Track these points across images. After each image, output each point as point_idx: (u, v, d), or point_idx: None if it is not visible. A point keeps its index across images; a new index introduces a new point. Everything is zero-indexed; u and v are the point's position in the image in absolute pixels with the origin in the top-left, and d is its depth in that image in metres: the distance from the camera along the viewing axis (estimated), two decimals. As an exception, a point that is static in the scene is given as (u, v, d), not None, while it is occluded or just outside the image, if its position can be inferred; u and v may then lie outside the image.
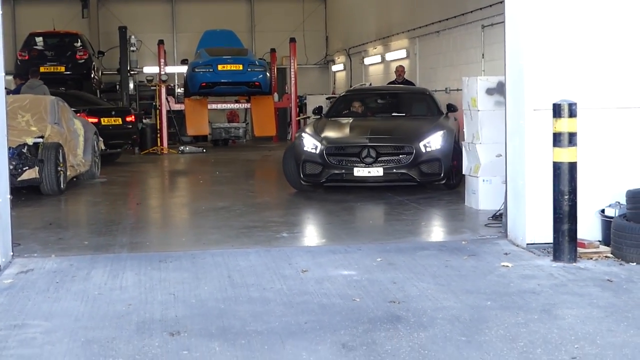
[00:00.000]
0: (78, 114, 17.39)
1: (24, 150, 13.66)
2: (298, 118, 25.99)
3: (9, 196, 8.65)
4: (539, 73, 8.68)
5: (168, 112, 24.95)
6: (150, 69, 28.52)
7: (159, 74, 25.10)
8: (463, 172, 12.22)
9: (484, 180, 11.59)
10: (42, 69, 23.56)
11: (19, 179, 13.46)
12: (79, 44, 25.62)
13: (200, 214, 12.03)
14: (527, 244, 8.69)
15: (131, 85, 27.46)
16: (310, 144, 13.42)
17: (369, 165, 12.94)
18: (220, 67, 23.52)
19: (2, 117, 8.53)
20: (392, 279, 7.45)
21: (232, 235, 10.05)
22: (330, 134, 13.68)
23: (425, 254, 8.56)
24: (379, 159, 13.00)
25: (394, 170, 12.97)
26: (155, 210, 13.34)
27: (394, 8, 23.50)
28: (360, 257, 8.44)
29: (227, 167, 19.82)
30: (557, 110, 7.93)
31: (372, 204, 12.40)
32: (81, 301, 6.94)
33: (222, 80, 23.55)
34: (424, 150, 13.04)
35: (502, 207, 9.76)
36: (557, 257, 8.01)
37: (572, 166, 7.91)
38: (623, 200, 8.44)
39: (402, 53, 22.31)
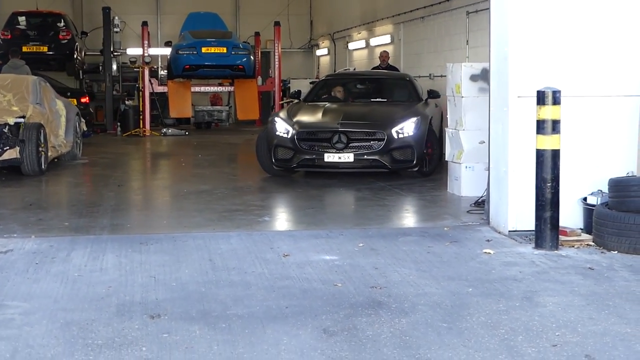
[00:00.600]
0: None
1: (5, 130, 13.57)
2: (281, 102, 25.91)
3: (-11, 176, 8.57)
4: (523, 60, 8.66)
5: (151, 94, 24.83)
6: (133, 51, 28.30)
7: (143, 55, 24.95)
8: (446, 159, 12.21)
9: (466, 167, 11.59)
10: (24, 49, 23.47)
11: (-1, 159, 13.38)
12: (62, 24, 25.42)
13: (182, 197, 11.97)
14: (509, 231, 8.68)
15: (114, 67, 27.26)
16: (282, 128, 13.27)
17: (339, 151, 12.79)
18: (204, 50, 23.39)
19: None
20: (374, 265, 7.42)
21: (213, 219, 10.00)
22: (302, 118, 13.53)
23: (407, 239, 8.54)
24: (350, 144, 12.83)
25: (365, 156, 12.81)
26: (137, 192, 13.27)
27: (378, -7, 23.46)
28: (342, 242, 8.41)
29: (210, 150, 19.74)
30: (541, 98, 7.91)
31: (355, 189, 12.37)
32: (61, 283, 6.89)
33: (206, 63, 23.42)
34: (396, 137, 12.90)
35: (485, 193, 9.75)
36: (539, 244, 8.01)
37: (555, 154, 7.90)
38: (605, 189, 8.43)
39: (387, 38, 22.24)
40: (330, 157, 12.79)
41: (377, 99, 14.89)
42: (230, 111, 28.34)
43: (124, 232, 9.26)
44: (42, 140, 14.05)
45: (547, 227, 7.95)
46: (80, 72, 26.93)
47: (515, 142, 8.66)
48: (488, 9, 9.30)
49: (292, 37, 31.76)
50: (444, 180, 12.47)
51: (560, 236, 8.06)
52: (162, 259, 7.68)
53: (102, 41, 26.61)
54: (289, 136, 13.10)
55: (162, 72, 26.06)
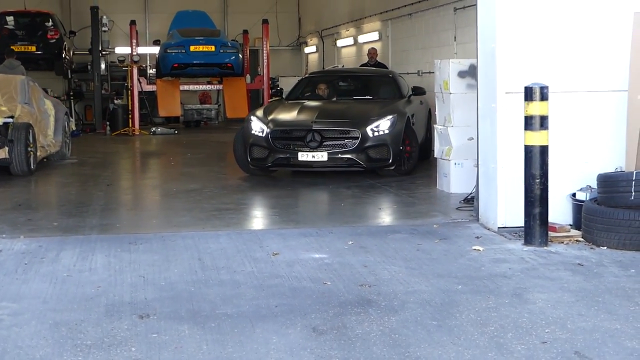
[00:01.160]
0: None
1: (-7, 130, 13.50)
2: (270, 100, 25.87)
3: (-23, 177, 8.53)
4: (510, 56, 8.65)
5: (140, 93, 24.77)
6: (122, 50, 28.26)
7: (131, 54, 24.86)
8: (435, 156, 12.18)
9: (455, 164, 11.57)
10: (10, 48, 23.35)
11: (-12, 159, 13.33)
12: (50, 23, 25.33)
13: (171, 196, 11.93)
14: (499, 227, 8.67)
15: (103, 66, 27.20)
16: (257, 127, 13.13)
17: (313, 149, 12.63)
18: (192, 48, 23.34)
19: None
20: (363, 263, 7.41)
21: (203, 218, 9.97)
22: (277, 117, 13.37)
23: (396, 237, 8.53)
24: (324, 143, 12.68)
25: (339, 155, 12.63)
26: (126, 191, 13.23)
27: (367, -10, 23.44)
28: (332, 240, 8.39)
29: (199, 148, 19.70)
30: (528, 94, 7.90)
31: (344, 187, 12.34)
32: (50, 283, 6.85)
33: (195, 62, 23.38)
34: (371, 135, 12.72)
35: (474, 190, 9.74)
36: (528, 240, 8.00)
37: (544, 150, 7.89)
38: (594, 184, 8.43)
39: (375, 35, 22.22)
40: (304, 156, 12.63)
41: (360, 97, 14.72)
42: (220, 109, 28.29)
43: (113, 232, 9.23)
44: (31, 140, 14.00)
45: (536, 224, 7.94)
46: (69, 71, 26.86)
47: (504, 139, 8.65)
48: (475, 5, 9.28)
49: (281, 35, 31.72)
50: (433, 177, 12.46)
51: (549, 232, 8.06)
52: (152, 259, 7.65)
53: (90, 40, 26.53)
54: (263, 135, 12.96)
55: (151, 71, 26.03)
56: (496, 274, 6.99)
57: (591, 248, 7.90)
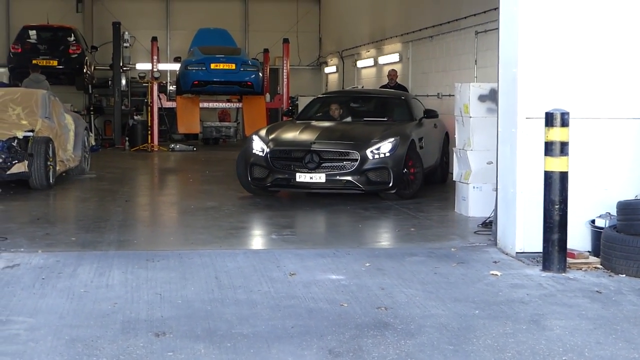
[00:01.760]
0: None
1: (14, 144, 13.57)
2: (289, 119, 25.89)
3: (-3, 190, 8.57)
4: (531, 81, 8.63)
5: (159, 109, 24.86)
6: (143, 66, 28.41)
7: (152, 70, 24.98)
8: (453, 179, 12.15)
9: (474, 187, 11.54)
10: (34, 62, 23.51)
11: (7, 172, 13.40)
12: (72, 38, 25.49)
13: (189, 213, 11.95)
14: (517, 252, 8.63)
15: (123, 82, 27.33)
16: (258, 146, 13.07)
17: (311, 170, 12.51)
18: (213, 66, 23.42)
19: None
20: (380, 285, 7.39)
21: (220, 236, 9.97)
22: (278, 136, 13.26)
23: (414, 260, 8.50)
24: (323, 164, 12.55)
25: (338, 177, 12.48)
26: (144, 207, 13.26)
27: (387, 11, 23.44)
28: (349, 261, 8.38)
29: (217, 166, 19.72)
30: (549, 119, 7.88)
31: (361, 208, 12.31)
32: (67, 298, 6.86)
33: (215, 79, 23.43)
34: (371, 157, 12.55)
35: (492, 214, 9.71)
36: (546, 266, 7.96)
37: (564, 176, 7.86)
38: (613, 211, 8.39)
39: (395, 57, 22.25)
40: (301, 177, 12.52)
41: (371, 118, 14.58)
42: (238, 127, 28.33)
43: (130, 248, 9.24)
44: (51, 154, 14.06)
45: (554, 250, 7.91)
46: (90, 86, 27.00)
47: (524, 164, 8.62)
48: (497, 29, 9.28)
49: (301, 54, 31.81)
50: (450, 201, 12.43)
51: (568, 259, 8.01)
52: (168, 276, 7.65)
53: (111, 56, 26.69)
54: (263, 154, 12.90)
55: (171, 88, 26.10)
56: (514, 300, 6.96)
57: (610, 275, 7.85)
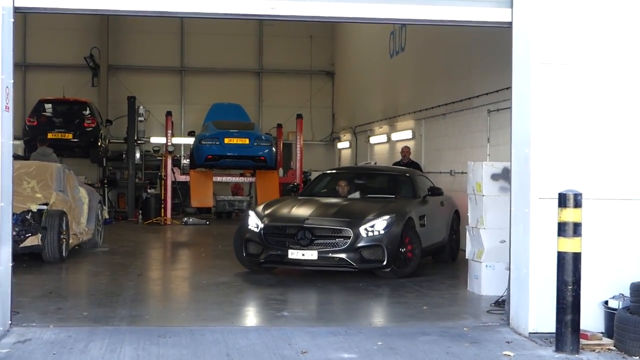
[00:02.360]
0: None
1: (28, 217, 13.66)
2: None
3: (10, 264, 8.62)
4: (544, 161, 8.69)
5: (173, 182, 25.02)
6: (157, 139, 28.67)
7: (166, 144, 25.21)
8: (466, 257, 12.13)
9: (487, 266, 11.54)
10: (50, 135, 23.74)
11: (21, 245, 13.46)
12: (88, 112, 25.73)
13: (201, 288, 11.95)
14: (530, 332, 8.60)
15: (137, 155, 27.55)
16: (253, 222, 13.12)
17: (304, 247, 12.48)
18: (226, 141, 23.59)
19: (8, 183, 8.54)
20: (392, 364, 7.36)
21: (232, 312, 9.97)
22: (274, 212, 13.29)
23: (426, 339, 8.47)
24: (316, 241, 12.52)
25: (330, 254, 12.41)
26: (156, 282, 13.26)
27: (401, 89, 23.66)
28: (361, 340, 8.35)
29: (230, 240, 19.52)
30: (562, 200, 7.92)
31: (374, 285, 12.29)
32: (78, 375, 6.85)
33: (228, 154, 23.61)
34: (364, 235, 12.49)
35: (505, 293, 9.69)
36: (559, 347, 7.93)
37: (577, 256, 7.87)
38: (627, 293, 8.37)
39: (408, 134, 22.37)
40: (294, 254, 12.48)
41: (375, 195, 14.55)
42: (251, 201, 28.43)
43: (142, 323, 9.23)
44: (64, 228, 14.14)
45: (567, 330, 7.88)
46: (104, 159, 27.18)
47: (537, 243, 8.64)
48: (509, 108, 9.37)
49: (314, 129, 32.06)
50: (462, 279, 12.41)
51: (581, 340, 7.98)
52: (180, 353, 7.64)
53: (126, 129, 26.93)
54: (257, 230, 12.94)
55: (185, 161, 26.27)
56: (527, 382, 6.92)
57: (623, 358, 7.81)
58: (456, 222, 15.64)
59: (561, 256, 7.91)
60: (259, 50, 32.44)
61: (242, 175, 25.85)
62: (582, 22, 8.86)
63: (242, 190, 29.98)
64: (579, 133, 8.77)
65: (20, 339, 8.09)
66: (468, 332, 8.90)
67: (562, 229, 7.91)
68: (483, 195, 11.60)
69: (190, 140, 25.39)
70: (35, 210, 13.82)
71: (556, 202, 8.00)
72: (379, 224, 12.68)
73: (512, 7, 9.05)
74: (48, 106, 25.66)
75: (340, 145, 31.75)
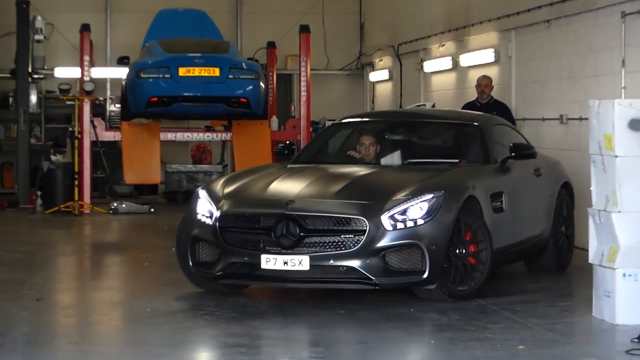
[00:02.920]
0: None
1: None
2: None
3: None
4: None
5: (93, 143, 24.97)
6: (66, 71, 28.65)
7: (81, 79, 25.16)
8: (589, 261, 12.07)
9: (624, 275, 11.48)
10: None
11: None
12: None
13: (143, 321, 11.95)
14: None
15: (34, 98, 27.52)
16: (204, 209, 12.77)
17: (286, 249, 12.14)
18: (182, 72, 23.50)
19: None
20: None
21: (195, 360, 9.99)
22: (238, 192, 12.95)
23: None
24: (306, 239, 12.21)
25: (332, 261, 12.03)
26: (67, 311, 13.25)
27: (475, -19, 23.68)
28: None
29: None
30: None
31: (437, 311, 12.20)
32: None
33: (186, 94, 23.52)
34: (389, 227, 12.15)
35: (657, 322, 9.68)
36: None
37: None
38: None
39: (489, 55, 22.29)
40: (270, 262, 12.05)
41: (419, 160, 14.45)
42: (226, 173, 28.43)
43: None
44: None
45: None
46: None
47: None
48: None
49: (330, 52, 31.95)
50: (583, 297, 12.40)
51: None
52: None
53: (14, 56, 26.84)
54: (211, 222, 12.59)
55: (113, 108, 26.27)
56: None
57: None
58: (567, 203, 15.42)
59: None
60: None
61: (209, 129, 25.83)
62: None
63: (210, 155, 29.96)
64: None
65: None
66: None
67: None
68: (616, 157, 11.52)
69: (123, 73, 25.37)
70: None
71: None
72: (414, 210, 12.26)
73: None
74: None
75: (373, 76, 31.73)
